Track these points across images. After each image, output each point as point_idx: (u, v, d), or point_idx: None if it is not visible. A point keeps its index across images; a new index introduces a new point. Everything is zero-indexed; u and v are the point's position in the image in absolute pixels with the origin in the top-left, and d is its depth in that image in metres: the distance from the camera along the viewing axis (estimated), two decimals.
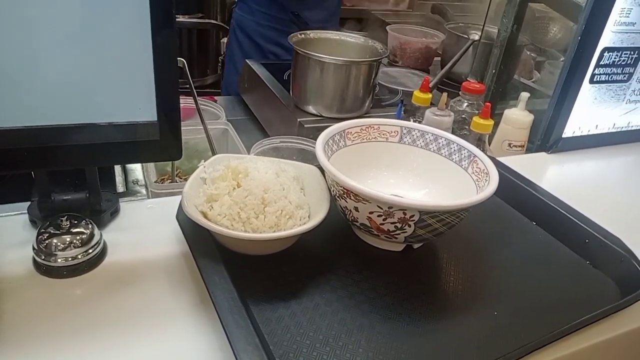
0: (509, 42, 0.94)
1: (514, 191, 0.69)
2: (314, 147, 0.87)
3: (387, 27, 1.37)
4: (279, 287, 0.51)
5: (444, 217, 0.50)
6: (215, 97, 1.25)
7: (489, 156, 0.60)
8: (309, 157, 0.87)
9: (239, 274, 0.50)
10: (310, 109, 1.00)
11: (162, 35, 0.45)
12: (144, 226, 0.59)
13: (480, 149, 0.61)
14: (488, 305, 0.52)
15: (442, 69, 1.23)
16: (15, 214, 0.57)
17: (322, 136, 0.59)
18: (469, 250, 0.61)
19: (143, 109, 0.47)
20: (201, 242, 0.52)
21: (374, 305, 0.50)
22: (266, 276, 0.52)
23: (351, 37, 1.07)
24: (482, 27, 1.02)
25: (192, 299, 0.51)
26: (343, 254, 0.57)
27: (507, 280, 0.57)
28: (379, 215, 0.51)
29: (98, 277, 0.52)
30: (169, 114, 0.48)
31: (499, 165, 0.60)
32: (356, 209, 0.53)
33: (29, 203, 0.57)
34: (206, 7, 1.73)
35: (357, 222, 0.55)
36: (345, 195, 0.53)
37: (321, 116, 1.00)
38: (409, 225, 0.51)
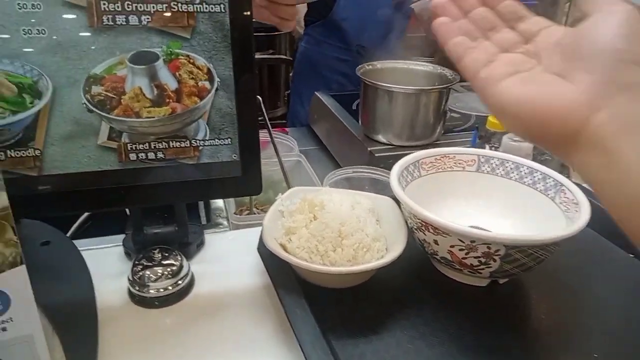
0: None
1: (608, 221, 0.64)
2: (386, 177, 0.87)
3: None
4: (358, 321, 0.51)
5: (533, 251, 0.48)
6: (287, 129, 1.29)
7: (575, 183, 0.57)
8: (380, 187, 0.86)
9: (319, 306, 0.50)
10: (380, 137, 1.00)
11: (244, 77, 0.47)
12: (227, 257, 0.61)
13: (564, 175, 0.58)
14: (585, 347, 0.48)
15: None
16: (111, 246, 0.62)
17: (396, 167, 0.59)
18: (560, 286, 0.57)
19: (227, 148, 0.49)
20: (282, 275, 0.53)
21: (460, 344, 0.48)
22: (345, 309, 0.52)
23: (419, 65, 1.06)
24: None
25: (275, 331, 0.51)
26: (422, 287, 0.56)
27: (605, 320, 0.52)
28: (460, 249, 0.50)
29: (186, 308, 0.54)
30: (250, 151, 0.50)
31: (588, 193, 0.56)
32: (436, 242, 0.51)
33: (123, 236, 0.62)
34: (276, 43, 1.82)
35: (437, 255, 0.53)
36: (423, 228, 0.52)
37: (391, 145, 0.99)
38: (494, 260, 0.49)
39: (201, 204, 0.71)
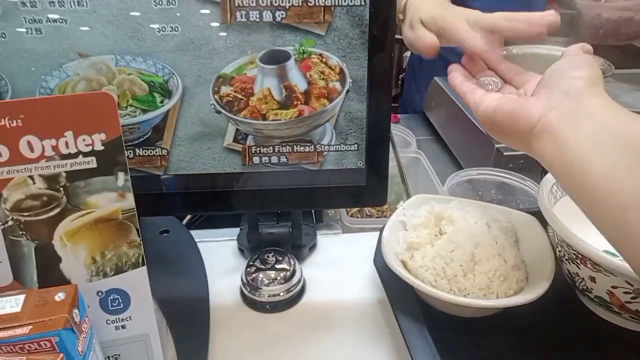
0: None
1: None
2: (517, 181, 0.77)
3: None
4: (487, 358, 0.44)
5: None
6: (398, 116, 1.22)
7: None
8: (507, 192, 0.77)
9: (441, 336, 0.45)
10: None
11: (379, 78, 0.42)
12: (339, 263, 0.58)
13: None
14: None
15: None
16: (226, 240, 0.62)
17: (546, 181, 0.51)
18: None
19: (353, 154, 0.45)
20: (401, 295, 0.49)
21: None
22: (471, 343, 0.46)
23: (561, 51, 0.92)
24: None
25: (388, 355, 0.47)
26: (566, 326, 0.48)
27: None
28: (626, 292, 0.41)
29: (297, 315, 0.52)
30: (377, 160, 0.46)
31: None
32: (592, 279, 0.43)
33: (237, 230, 0.61)
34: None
35: (590, 293, 0.45)
36: (578, 261, 0.44)
37: None
38: None
39: None
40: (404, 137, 0.90)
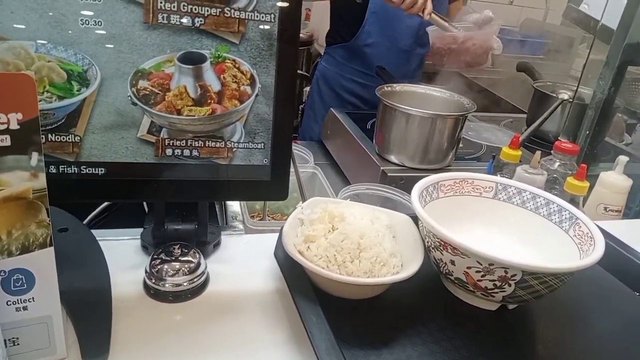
0: (604, 104, 0.91)
1: (615, 258, 0.65)
2: (398, 196, 0.88)
3: (427, 29, 1.26)
4: (370, 334, 0.51)
5: (548, 279, 0.49)
6: (298, 141, 1.31)
7: None
8: (391, 206, 0.88)
9: (332, 315, 0.51)
10: (393, 158, 1.02)
11: (284, 86, 0.49)
12: (242, 260, 0.62)
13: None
14: None
15: (527, 126, 1.21)
16: (128, 239, 0.63)
17: (417, 187, 0.61)
18: (566, 317, 0.58)
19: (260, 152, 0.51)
20: (298, 281, 0.54)
21: None
22: (357, 321, 0.53)
23: (437, 91, 1.09)
24: (576, 87, 1.01)
25: (286, 336, 0.52)
26: (433, 307, 0.57)
27: (609, 353, 0.53)
28: (477, 271, 0.51)
29: (199, 305, 0.55)
30: (281, 158, 0.52)
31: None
32: (452, 262, 0.53)
33: (140, 229, 0.62)
34: None
35: (451, 275, 0.54)
36: (441, 248, 0.53)
37: (404, 166, 1.01)
38: (509, 285, 0.50)
39: (219, 206, 0.72)
40: (303, 155, 0.98)
